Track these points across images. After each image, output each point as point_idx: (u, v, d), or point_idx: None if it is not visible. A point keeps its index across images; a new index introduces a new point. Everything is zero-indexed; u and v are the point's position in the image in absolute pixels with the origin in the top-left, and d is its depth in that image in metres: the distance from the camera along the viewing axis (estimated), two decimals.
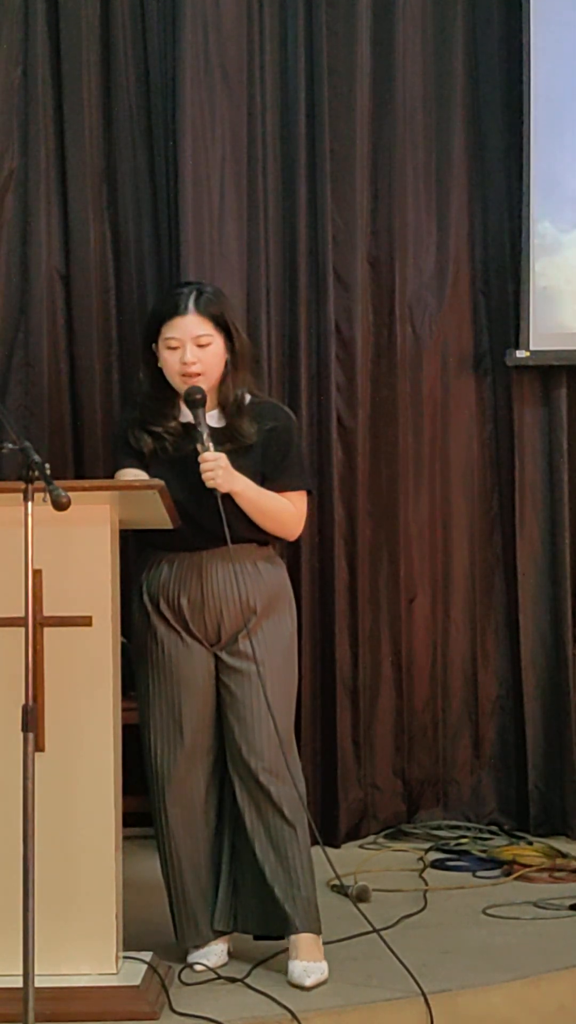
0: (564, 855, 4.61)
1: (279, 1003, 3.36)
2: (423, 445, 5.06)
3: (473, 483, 5.11)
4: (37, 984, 2.97)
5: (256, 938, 3.70)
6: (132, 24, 4.86)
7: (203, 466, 3.51)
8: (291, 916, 3.57)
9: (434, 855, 4.68)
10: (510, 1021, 3.51)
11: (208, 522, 3.55)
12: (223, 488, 3.52)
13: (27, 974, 2.95)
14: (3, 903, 3.24)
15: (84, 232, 4.82)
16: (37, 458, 2.99)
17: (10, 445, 3.02)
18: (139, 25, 4.86)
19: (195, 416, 3.57)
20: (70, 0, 4.79)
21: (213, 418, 3.64)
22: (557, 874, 4.45)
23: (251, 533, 3.65)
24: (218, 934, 3.69)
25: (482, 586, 5.12)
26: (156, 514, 3.48)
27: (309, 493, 3.79)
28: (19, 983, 2.97)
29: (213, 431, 3.59)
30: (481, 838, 4.86)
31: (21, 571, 3.01)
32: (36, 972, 2.97)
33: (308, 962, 3.54)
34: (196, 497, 3.55)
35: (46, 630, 3.34)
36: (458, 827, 4.95)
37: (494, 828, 4.96)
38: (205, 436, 3.54)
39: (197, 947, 3.67)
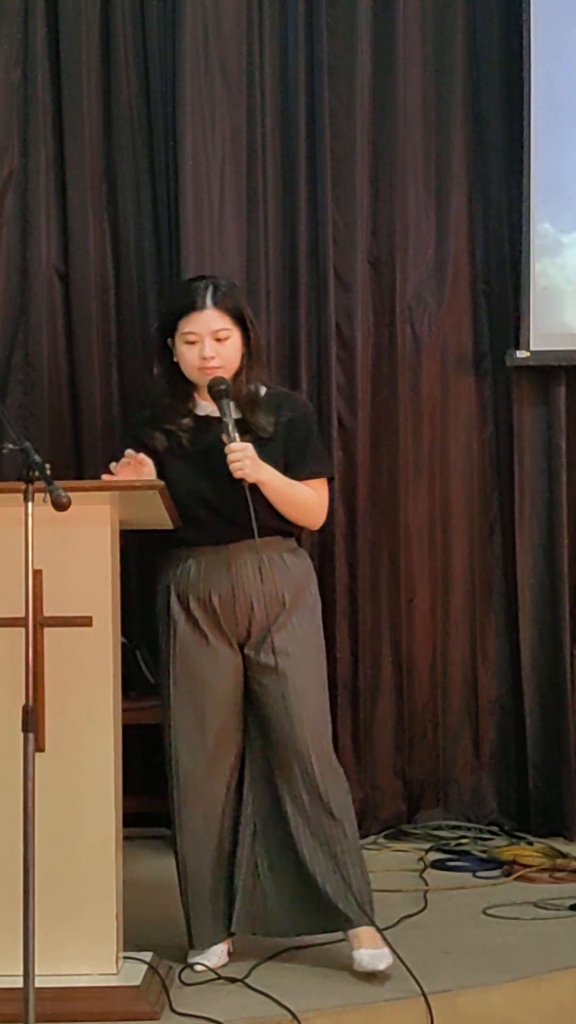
0: (564, 855, 4.61)
1: (279, 1003, 3.35)
2: (423, 445, 5.06)
3: (473, 483, 5.11)
4: (37, 984, 2.97)
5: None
6: (132, 24, 4.87)
7: (230, 456, 3.49)
8: (345, 912, 3.56)
9: (434, 855, 4.68)
10: (510, 1021, 3.50)
11: (234, 514, 3.53)
12: (251, 478, 3.50)
13: (27, 974, 2.94)
14: (3, 903, 3.24)
15: (84, 232, 4.82)
16: (37, 458, 2.98)
17: (10, 445, 3.02)
18: (139, 25, 4.87)
19: (220, 407, 3.55)
20: (70, 0, 4.80)
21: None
22: (557, 874, 4.44)
23: (277, 524, 3.62)
24: (228, 936, 3.68)
25: (482, 586, 5.12)
26: (156, 514, 3.48)
27: (330, 480, 3.78)
28: (19, 983, 2.97)
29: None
30: (481, 838, 4.85)
31: (21, 571, 3.01)
32: (36, 972, 2.96)
33: (373, 949, 3.54)
34: (221, 489, 3.54)
35: (46, 630, 3.34)
36: (458, 827, 4.94)
37: (494, 828, 4.95)
38: (231, 427, 3.51)
39: (201, 948, 3.66)
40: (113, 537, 3.43)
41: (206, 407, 3.66)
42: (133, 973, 3.40)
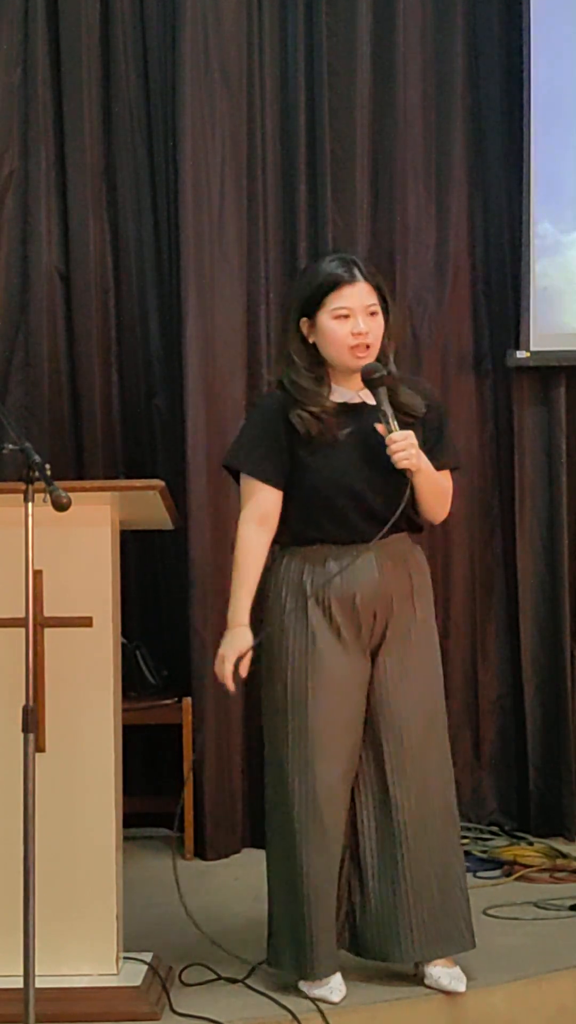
0: (564, 855, 4.61)
1: (279, 1004, 3.36)
2: None
3: (473, 483, 5.10)
4: (38, 985, 2.97)
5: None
6: (132, 24, 4.88)
7: (395, 446, 3.28)
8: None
9: None
10: (511, 1022, 3.50)
11: (384, 509, 3.32)
12: (416, 467, 3.30)
13: (28, 975, 2.94)
14: (4, 904, 3.24)
15: (84, 232, 4.83)
16: (37, 458, 2.97)
17: (10, 445, 3.01)
18: (139, 25, 4.88)
19: (377, 396, 3.32)
20: (70, 0, 4.80)
21: (368, 396, 3.40)
22: (558, 874, 4.44)
23: (415, 517, 3.43)
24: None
25: (482, 586, 5.11)
26: (156, 514, 3.48)
27: (453, 471, 3.55)
28: (20, 984, 2.97)
29: (372, 408, 3.36)
30: (482, 838, 4.85)
31: (21, 571, 3.01)
32: (37, 973, 2.96)
33: (450, 968, 3.45)
34: (375, 482, 3.33)
35: (46, 631, 3.34)
36: None
37: (495, 828, 4.95)
38: (390, 415, 3.30)
39: (319, 979, 3.40)
40: (113, 537, 3.43)
41: (345, 393, 3.41)
42: (133, 973, 3.40)
